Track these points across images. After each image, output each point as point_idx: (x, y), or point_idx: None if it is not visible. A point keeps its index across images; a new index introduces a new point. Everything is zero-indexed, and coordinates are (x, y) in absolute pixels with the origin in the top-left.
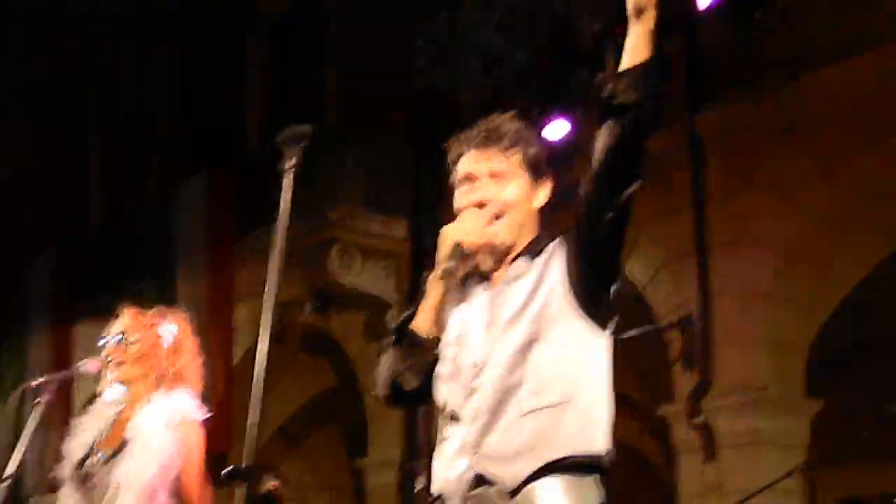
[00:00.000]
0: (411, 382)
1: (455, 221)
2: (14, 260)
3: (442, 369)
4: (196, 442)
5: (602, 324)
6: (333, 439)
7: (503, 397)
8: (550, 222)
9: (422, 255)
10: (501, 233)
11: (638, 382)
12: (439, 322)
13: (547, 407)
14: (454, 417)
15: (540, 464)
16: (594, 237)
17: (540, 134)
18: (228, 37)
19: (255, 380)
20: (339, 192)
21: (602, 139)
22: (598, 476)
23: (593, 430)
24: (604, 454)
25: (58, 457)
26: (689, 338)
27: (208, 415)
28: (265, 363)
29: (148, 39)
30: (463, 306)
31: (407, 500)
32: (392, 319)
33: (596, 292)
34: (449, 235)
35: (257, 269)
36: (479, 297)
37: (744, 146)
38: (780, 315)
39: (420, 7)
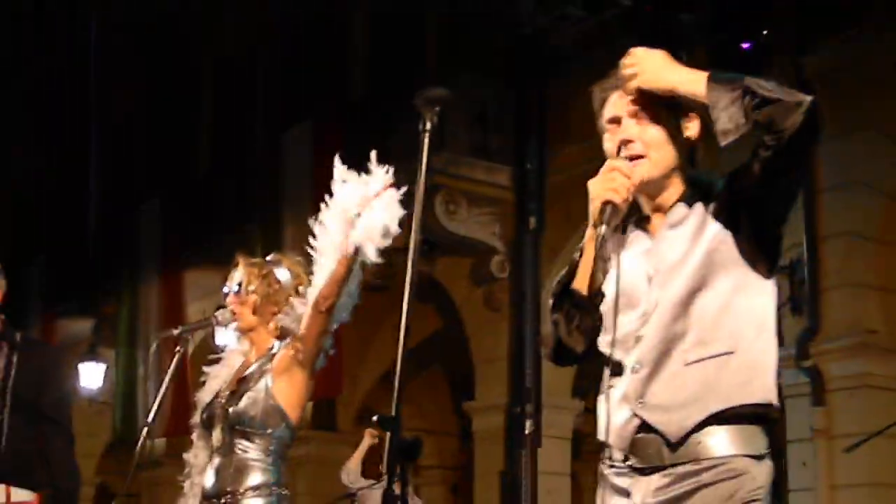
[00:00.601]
0: (578, 347)
1: (600, 175)
2: (124, 207)
3: (606, 319)
4: (288, 358)
5: (768, 269)
6: (439, 384)
7: (667, 347)
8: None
9: (526, 202)
10: (648, 172)
11: None
12: (597, 278)
13: (712, 357)
14: (618, 366)
15: (705, 415)
16: (763, 194)
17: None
18: None
19: (401, 333)
20: (443, 138)
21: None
22: (764, 426)
23: (759, 380)
24: (770, 404)
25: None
26: (796, 282)
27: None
28: (408, 316)
29: None
30: (624, 254)
31: (514, 444)
32: (497, 266)
33: (762, 237)
34: (598, 194)
35: None
36: (641, 243)
37: (852, 88)
38: (889, 259)
39: None
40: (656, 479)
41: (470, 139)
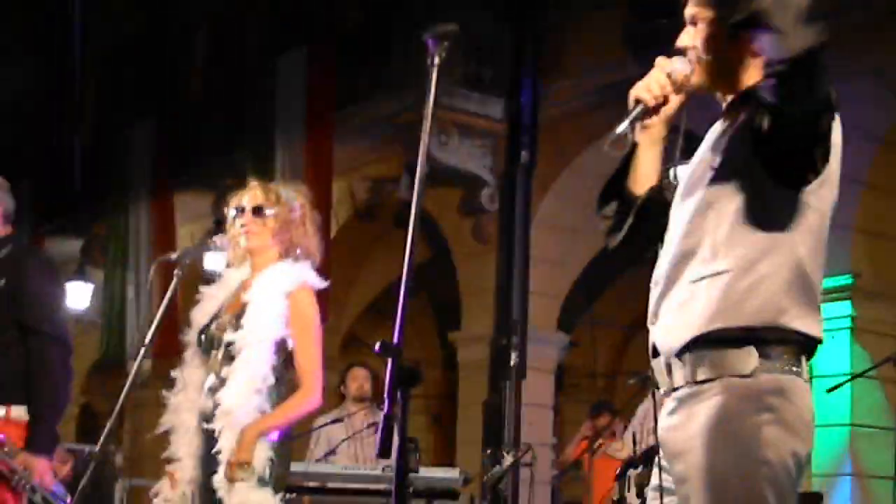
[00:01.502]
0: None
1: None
2: (116, 128)
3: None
4: (311, 309)
5: (792, 181)
6: (425, 313)
7: (679, 262)
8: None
9: (518, 135)
10: (693, 77)
11: None
12: (649, 173)
13: (710, 275)
14: (652, 284)
15: (690, 335)
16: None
17: None
18: None
19: (406, 262)
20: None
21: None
22: (758, 346)
23: (753, 301)
24: (764, 326)
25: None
26: None
27: (325, 284)
28: (412, 247)
29: None
30: (700, 148)
31: (498, 375)
32: (487, 198)
33: (788, 151)
34: (634, 92)
35: (354, 144)
36: (708, 140)
37: (847, 33)
38: (876, 203)
39: None
40: (669, 403)
41: (463, 70)
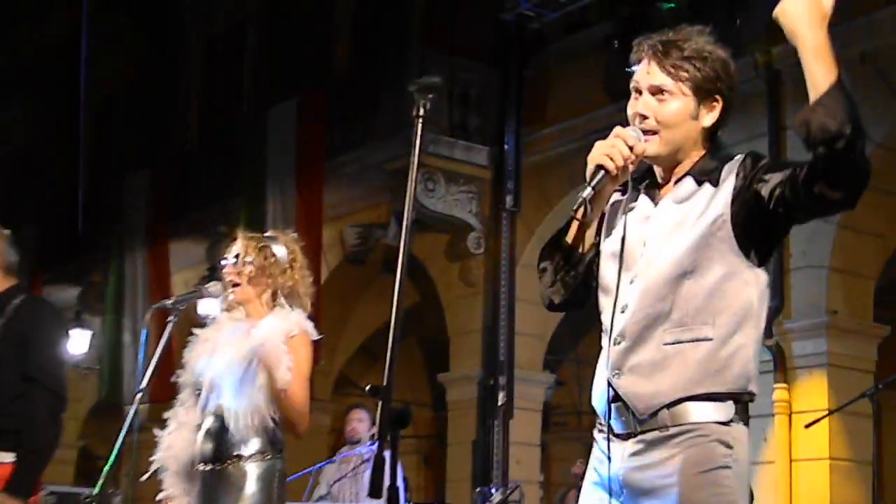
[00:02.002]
0: (556, 297)
1: (606, 139)
2: (112, 178)
3: (602, 279)
4: (306, 355)
5: (761, 261)
6: (414, 355)
7: (649, 324)
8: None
9: (503, 181)
10: (651, 148)
11: None
12: (591, 235)
13: (690, 341)
14: (606, 331)
15: (674, 398)
16: (801, 204)
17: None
18: None
19: (394, 305)
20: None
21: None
22: (734, 403)
23: (734, 369)
24: (742, 391)
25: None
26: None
27: (319, 337)
28: (401, 292)
29: None
30: (630, 217)
31: (486, 414)
32: (473, 242)
33: (769, 233)
34: (594, 157)
35: (344, 191)
36: (644, 209)
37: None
38: (851, 243)
39: None
40: (630, 445)
41: (450, 119)
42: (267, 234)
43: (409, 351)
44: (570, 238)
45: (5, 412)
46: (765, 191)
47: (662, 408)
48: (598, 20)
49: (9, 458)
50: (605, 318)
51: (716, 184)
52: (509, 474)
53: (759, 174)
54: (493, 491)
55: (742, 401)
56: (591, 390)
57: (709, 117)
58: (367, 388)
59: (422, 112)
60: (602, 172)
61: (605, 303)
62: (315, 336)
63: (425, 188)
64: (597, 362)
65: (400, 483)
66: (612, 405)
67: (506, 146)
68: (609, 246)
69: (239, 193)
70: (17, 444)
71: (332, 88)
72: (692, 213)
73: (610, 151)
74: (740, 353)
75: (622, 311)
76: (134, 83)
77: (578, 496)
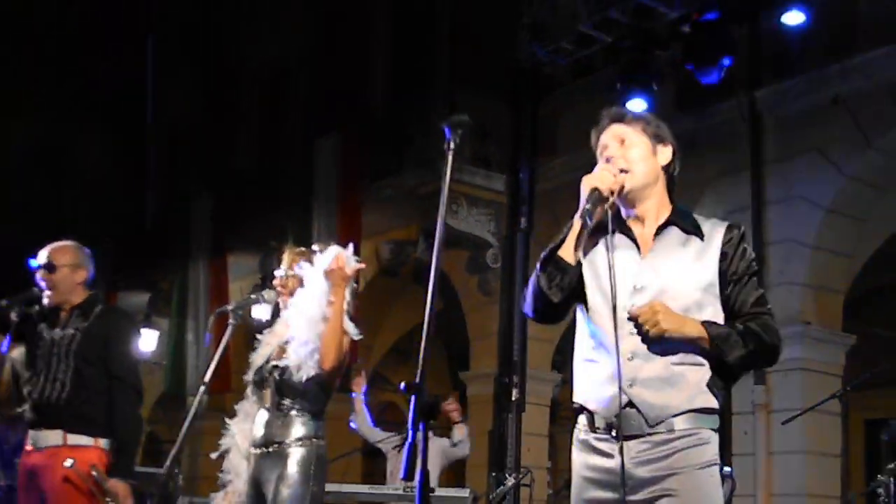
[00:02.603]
0: (555, 297)
1: (592, 173)
2: (179, 200)
3: (592, 302)
4: (341, 300)
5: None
6: (439, 355)
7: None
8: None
9: (518, 205)
10: (630, 180)
11: None
12: (578, 252)
13: (691, 364)
14: (603, 346)
15: (680, 411)
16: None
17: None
18: (359, 15)
19: (426, 311)
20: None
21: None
22: (716, 416)
23: (711, 394)
24: (719, 407)
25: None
26: None
27: (360, 336)
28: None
29: (294, 16)
30: (616, 254)
31: (501, 408)
32: (491, 258)
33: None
34: (588, 182)
35: (379, 212)
36: (629, 249)
37: (796, 117)
38: (823, 262)
39: None
40: (635, 445)
41: (471, 150)
42: (314, 248)
43: (434, 352)
44: (566, 250)
45: (93, 404)
46: (732, 299)
47: (668, 419)
48: (602, 66)
49: (88, 442)
50: (605, 338)
51: (702, 238)
52: (521, 461)
53: (739, 274)
54: (507, 475)
55: (719, 412)
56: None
57: (663, 156)
58: (402, 385)
59: (452, 145)
60: (596, 193)
61: (598, 320)
62: (356, 336)
63: (450, 210)
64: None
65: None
66: (623, 410)
67: (520, 174)
68: (594, 277)
69: (288, 213)
70: (103, 433)
71: (370, 124)
72: (687, 260)
73: (601, 177)
74: (714, 379)
75: (631, 334)
76: (200, 118)
77: None
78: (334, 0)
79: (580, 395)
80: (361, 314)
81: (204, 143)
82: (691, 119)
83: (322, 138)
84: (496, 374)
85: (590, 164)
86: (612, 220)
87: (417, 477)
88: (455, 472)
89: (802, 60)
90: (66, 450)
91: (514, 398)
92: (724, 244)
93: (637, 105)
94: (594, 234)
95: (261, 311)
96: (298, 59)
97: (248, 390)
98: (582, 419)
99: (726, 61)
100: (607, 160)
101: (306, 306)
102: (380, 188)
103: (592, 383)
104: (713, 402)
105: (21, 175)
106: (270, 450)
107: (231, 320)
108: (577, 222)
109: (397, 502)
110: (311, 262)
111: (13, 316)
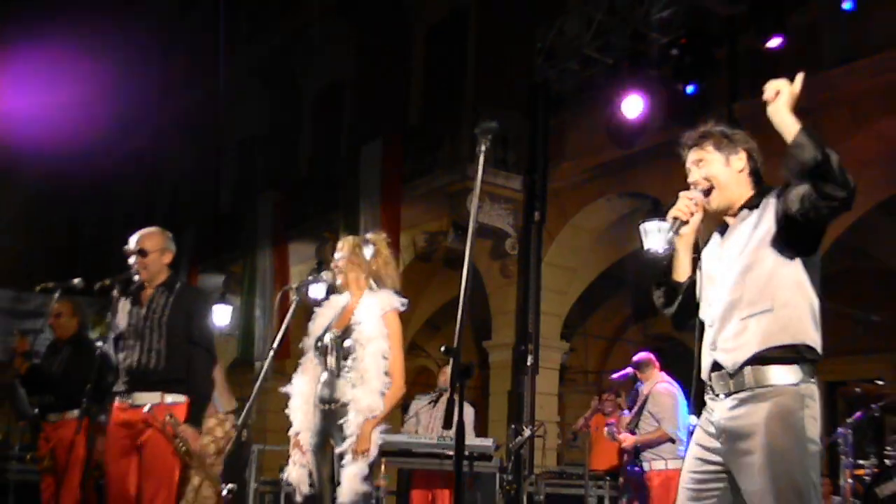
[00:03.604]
0: (669, 311)
1: (679, 201)
2: (248, 197)
3: (700, 293)
4: (398, 326)
5: (800, 252)
6: (467, 327)
7: (729, 308)
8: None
9: (532, 201)
10: (717, 201)
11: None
12: (686, 268)
13: (757, 313)
14: (703, 323)
15: (751, 353)
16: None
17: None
18: (398, 42)
19: (462, 284)
20: (474, 154)
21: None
22: (800, 364)
23: (793, 327)
24: (804, 344)
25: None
26: None
27: (405, 307)
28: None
29: (344, 45)
30: (705, 251)
31: (518, 372)
32: (510, 246)
33: (796, 233)
34: (671, 212)
35: (416, 207)
36: (717, 240)
37: (769, 127)
38: None
39: (538, 21)
40: (728, 402)
41: (493, 155)
42: (366, 236)
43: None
44: (677, 273)
45: (178, 367)
46: (792, 208)
47: (745, 365)
48: (603, 85)
49: (182, 399)
50: (704, 316)
51: (760, 208)
52: (535, 416)
53: (785, 197)
54: (523, 428)
55: (807, 360)
56: (595, 356)
57: (738, 163)
58: (442, 348)
59: (483, 148)
60: (677, 221)
61: (703, 306)
62: (402, 308)
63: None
64: (610, 336)
65: (466, 418)
66: (713, 374)
67: (534, 175)
68: (702, 270)
69: (339, 208)
70: (186, 390)
71: (407, 132)
72: (750, 229)
73: (680, 207)
74: (797, 315)
75: (710, 306)
76: (267, 128)
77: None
78: (377, 32)
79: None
80: (402, 292)
81: (270, 149)
82: (679, 127)
83: (367, 145)
84: (514, 343)
85: (593, 166)
86: (700, 238)
87: (455, 427)
88: (481, 426)
89: (776, 74)
90: (164, 407)
91: (528, 363)
92: (777, 200)
93: (635, 104)
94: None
95: (317, 290)
96: (347, 80)
97: (310, 354)
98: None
99: (708, 77)
100: (693, 185)
101: (371, 348)
102: (415, 187)
103: (704, 356)
104: (786, 339)
105: (121, 177)
106: (332, 406)
107: (293, 297)
108: (677, 244)
109: (434, 448)
110: (355, 250)
111: (114, 292)
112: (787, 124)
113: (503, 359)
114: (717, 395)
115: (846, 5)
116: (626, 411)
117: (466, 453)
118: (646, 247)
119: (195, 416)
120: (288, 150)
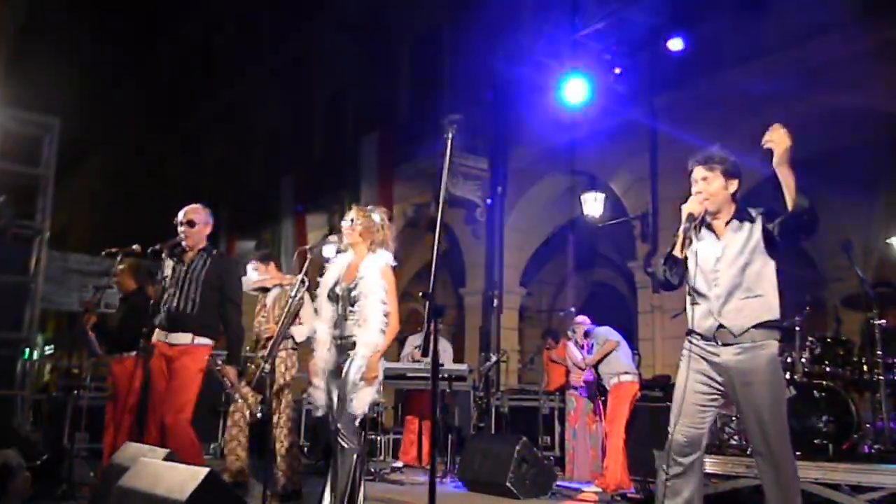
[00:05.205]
0: (674, 280)
1: (689, 201)
2: (271, 181)
3: (691, 271)
4: (392, 279)
5: (776, 259)
6: (446, 278)
7: (732, 288)
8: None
9: (497, 178)
10: (710, 204)
11: (615, 247)
12: (685, 250)
13: (753, 296)
14: (701, 294)
15: (752, 323)
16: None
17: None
18: (389, 55)
19: (435, 243)
20: (451, 140)
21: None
22: (777, 330)
23: (773, 310)
24: (777, 319)
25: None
26: (646, 224)
27: (395, 263)
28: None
29: (347, 56)
30: (700, 244)
31: (487, 312)
32: (479, 214)
33: (775, 247)
34: (686, 209)
35: (405, 185)
36: (711, 237)
37: (683, 119)
38: None
39: (498, 34)
40: (733, 349)
41: (465, 142)
42: (370, 207)
43: (443, 275)
44: (677, 251)
45: (208, 315)
46: (771, 229)
47: (749, 329)
48: (551, 86)
49: (208, 341)
50: (699, 289)
51: (752, 222)
52: (500, 346)
53: (767, 221)
54: (491, 355)
55: (777, 328)
56: (546, 299)
57: (732, 186)
58: (421, 294)
59: (450, 134)
60: (691, 215)
61: (696, 282)
62: (394, 264)
63: (451, 182)
64: (557, 283)
65: (441, 349)
66: (717, 331)
67: (498, 157)
68: (694, 256)
69: (345, 187)
70: (215, 336)
71: (398, 125)
72: (743, 236)
73: (693, 206)
74: (773, 300)
75: (715, 285)
76: (286, 124)
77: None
78: (373, 46)
79: (691, 321)
80: (395, 252)
81: (288, 141)
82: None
83: (366, 137)
84: (483, 289)
85: (539, 152)
86: (697, 226)
87: (431, 355)
88: (458, 354)
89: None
90: (193, 347)
91: (494, 305)
92: (762, 218)
93: (577, 95)
94: (693, 234)
95: (329, 250)
96: (350, 84)
97: (322, 300)
98: (695, 338)
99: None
100: (697, 192)
101: (372, 298)
102: (404, 169)
103: (697, 317)
104: (769, 315)
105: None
106: (343, 342)
107: (309, 255)
108: (681, 234)
109: (420, 373)
110: (367, 217)
111: (164, 255)
112: (790, 180)
113: (475, 302)
114: (721, 345)
115: None
116: (572, 345)
117: (446, 376)
118: (585, 213)
119: (233, 357)
120: (304, 142)
